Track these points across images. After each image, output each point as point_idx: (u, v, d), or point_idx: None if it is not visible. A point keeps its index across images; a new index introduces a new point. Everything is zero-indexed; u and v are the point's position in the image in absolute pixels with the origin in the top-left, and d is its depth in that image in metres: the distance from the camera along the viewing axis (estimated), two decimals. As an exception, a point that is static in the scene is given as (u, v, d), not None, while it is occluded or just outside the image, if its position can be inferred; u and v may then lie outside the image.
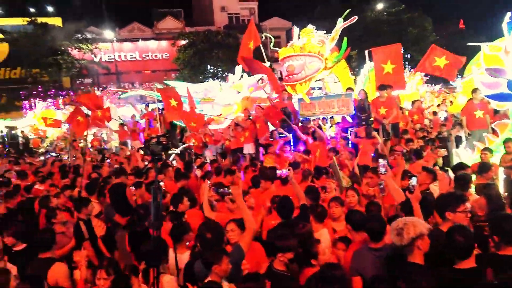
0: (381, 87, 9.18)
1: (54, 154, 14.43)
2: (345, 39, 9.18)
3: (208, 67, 30.47)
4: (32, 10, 33.58)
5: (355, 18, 9.71)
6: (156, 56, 36.15)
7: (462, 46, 9.35)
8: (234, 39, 31.38)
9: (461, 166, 5.58)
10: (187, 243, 4.20)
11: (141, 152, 10.54)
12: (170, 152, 11.32)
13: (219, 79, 24.79)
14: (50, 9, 34.52)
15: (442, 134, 9.37)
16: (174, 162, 9.62)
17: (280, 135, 9.86)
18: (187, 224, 4.27)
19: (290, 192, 5.05)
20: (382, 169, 3.96)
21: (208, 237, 3.45)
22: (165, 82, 16.59)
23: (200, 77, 29.06)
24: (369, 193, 5.32)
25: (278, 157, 8.78)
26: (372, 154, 8.32)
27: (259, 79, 13.04)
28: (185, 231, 4.17)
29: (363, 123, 8.92)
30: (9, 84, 32.68)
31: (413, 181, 3.78)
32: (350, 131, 9.62)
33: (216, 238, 3.52)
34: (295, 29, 9.87)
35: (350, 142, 8.63)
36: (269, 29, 38.40)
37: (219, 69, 29.53)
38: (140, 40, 36.51)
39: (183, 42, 31.59)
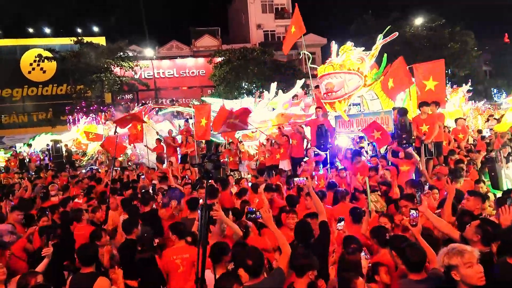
0: (422, 104, 8.83)
1: (95, 167, 14.93)
2: (385, 55, 8.96)
3: (243, 83, 30.84)
4: (78, 30, 35.66)
5: (396, 34, 9.46)
6: (193, 72, 37.10)
7: (508, 61, 8.79)
8: (269, 56, 31.67)
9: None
10: (227, 264, 4.12)
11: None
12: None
13: (254, 96, 24.99)
14: (95, 29, 36.50)
15: (490, 154, 8.83)
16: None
17: (315, 153, 9.69)
18: (226, 244, 4.18)
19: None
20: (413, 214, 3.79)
21: (249, 264, 3.34)
22: (202, 98, 16.90)
23: (235, 93, 29.41)
24: (403, 223, 4.70)
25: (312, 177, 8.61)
26: (413, 175, 7.98)
27: (294, 96, 12.98)
28: (224, 251, 4.08)
29: (404, 141, 8.57)
30: (55, 99, 34.72)
31: (414, 213, 3.70)
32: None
33: (258, 265, 3.40)
34: (334, 46, 9.75)
35: (390, 162, 8.30)
36: (305, 45, 38.34)
37: (254, 86, 29.79)
38: (178, 57, 37.66)
39: (219, 59, 32.24)
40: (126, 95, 33.43)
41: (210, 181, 4.32)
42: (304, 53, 11.58)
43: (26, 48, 34.78)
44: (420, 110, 8.88)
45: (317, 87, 11.02)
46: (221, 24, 43.24)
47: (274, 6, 40.59)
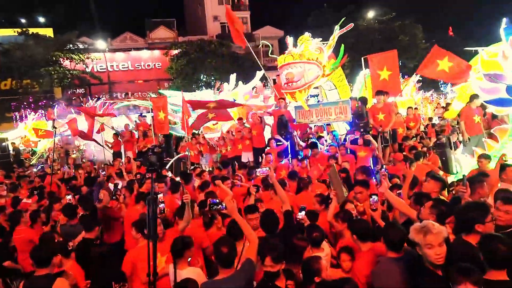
0: (378, 93, 9.14)
1: (47, 165, 14.12)
2: (342, 46, 9.15)
3: (201, 76, 30.44)
4: (23, 21, 33.40)
5: (352, 25, 9.70)
6: (148, 65, 36.04)
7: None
8: (227, 48, 31.44)
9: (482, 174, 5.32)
10: (189, 259, 4.04)
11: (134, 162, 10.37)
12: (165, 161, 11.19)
13: (212, 88, 24.79)
14: (41, 20, 34.35)
15: (441, 140, 9.33)
16: (169, 173, 9.43)
17: (277, 143, 9.75)
18: (189, 239, 4.09)
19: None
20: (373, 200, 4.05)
21: (224, 252, 3.27)
22: (160, 91, 16.46)
23: (193, 86, 28.98)
24: (358, 209, 4.81)
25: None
26: (371, 162, 8.28)
27: (253, 87, 12.97)
28: (187, 246, 4.00)
29: (361, 130, 8.84)
30: (-1, 95, 32.32)
31: (374, 198, 4.00)
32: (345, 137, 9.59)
33: (232, 253, 3.34)
34: (290, 38, 9.82)
35: (348, 149, 8.54)
36: (262, 37, 38.60)
37: (212, 78, 29.50)
38: (133, 50, 36.41)
39: (175, 52, 31.53)
40: (77, 90, 31.82)
41: (154, 173, 4.17)
42: (265, 45, 11.51)
43: (-36, 39, 32.03)
44: (376, 99, 9.18)
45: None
46: (177, 15, 42.33)
47: (231, -3, 40.29)
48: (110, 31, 36.25)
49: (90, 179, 9.13)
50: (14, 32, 28.72)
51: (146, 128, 12.77)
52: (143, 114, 14.30)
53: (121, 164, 10.22)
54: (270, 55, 10.83)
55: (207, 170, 9.89)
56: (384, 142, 8.85)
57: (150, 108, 13.71)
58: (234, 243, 3.46)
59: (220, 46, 31.87)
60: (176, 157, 11.39)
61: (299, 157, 9.07)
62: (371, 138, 8.16)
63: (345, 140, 9.36)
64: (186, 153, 11.59)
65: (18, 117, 23.31)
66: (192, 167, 10.63)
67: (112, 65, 34.42)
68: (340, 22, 9.68)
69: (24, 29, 28.86)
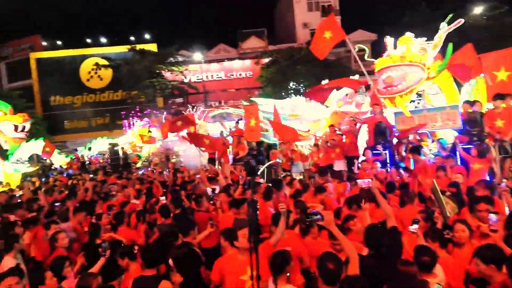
0: (496, 97, 8.01)
1: (149, 169, 15.33)
2: (450, 45, 8.25)
3: (291, 83, 30.53)
4: (132, 38, 37.40)
5: (461, 21, 8.70)
6: (240, 74, 37.43)
7: None
8: (317, 55, 31.13)
9: None
10: (288, 275, 3.85)
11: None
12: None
13: (302, 96, 24.68)
14: (147, 36, 38.04)
15: None
16: (261, 180, 9.45)
17: (374, 152, 9.16)
18: (289, 254, 3.89)
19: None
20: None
21: (330, 268, 3.03)
22: (252, 99, 16.87)
23: (283, 93, 29.18)
24: (482, 230, 4.10)
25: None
26: (487, 176, 7.25)
27: (347, 94, 12.47)
28: (287, 261, 3.80)
29: (475, 138, 7.82)
30: (112, 105, 36.57)
31: (493, 217, 3.50)
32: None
33: (338, 270, 3.09)
34: (389, 39, 9.17)
35: (459, 159, 7.61)
36: (353, 42, 37.37)
37: (302, 85, 29.37)
38: (226, 60, 38.18)
39: (266, 60, 32.20)
40: (176, 99, 34.41)
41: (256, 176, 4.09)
42: (362, 48, 10.85)
43: (85, 57, 36.96)
44: (493, 104, 8.07)
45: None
46: (267, 25, 43.25)
47: (320, 4, 39.85)
48: (205, 44, 38.59)
49: (186, 182, 9.60)
50: (125, 48, 32.23)
51: (240, 135, 13.09)
52: (238, 121, 14.70)
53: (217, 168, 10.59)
54: (366, 59, 10.26)
55: (297, 178, 9.73)
56: (503, 152, 7.71)
57: (242, 115, 14.08)
58: (340, 259, 3.19)
59: (310, 52, 31.63)
60: (267, 164, 11.44)
61: (399, 167, 8.38)
62: (491, 147, 7.15)
63: (453, 150, 8.37)
64: (278, 160, 11.57)
65: (127, 124, 25.92)
66: (283, 175, 10.56)
67: (207, 75, 36.51)
68: (447, 19, 8.78)
69: (132, 46, 32.22)
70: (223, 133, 14.52)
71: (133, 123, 25.26)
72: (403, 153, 8.55)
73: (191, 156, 16.67)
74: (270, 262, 3.72)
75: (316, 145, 11.24)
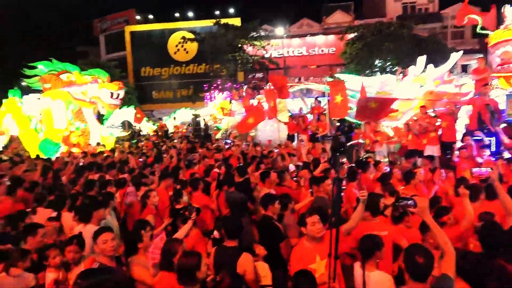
0: None
1: (229, 141, 15.67)
2: None
3: (376, 61, 28.69)
4: (217, 12, 38.06)
5: None
6: (322, 51, 36.17)
7: None
8: (408, 30, 28.69)
9: None
10: (377, 261, 3.55)
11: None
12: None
13: (394, 73, 23.04)
14: (231, 10, 38.40)
15: None
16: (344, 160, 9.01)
17: (475, 138, 8.15)
18: (380, 239, 3.59)
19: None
20: None
21: (419, 262, 2.70)
22: (336, 75, 16.15)
23: (367, 71, 27.59)
24: None
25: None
26: None
27: (448, 71, 11.17)
28: (378, 246, 3.51)
29: None
30: (195, 77, 38.08)
31: None
32: None
33: (429, 265, 2.73)
34: (509, 8, 7.88)
35: None
36: (451, 17, 33.88)
37: (390, 63, 27.43)
38: (308, 35, 37.14)
39: (351, 36, 30.59)
40: (256, 74, 34.54)
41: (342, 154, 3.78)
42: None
43: (173, 31, 38.67)
44: None
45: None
46: (355, -2, 40.88)
47: (415, -24, 36.48)
48: (288, 18, 37.82)
49: (263, 157, 9.54)
50: (211, 23, 32.94)
51: (320, 112, 12.65)
52: (318, 98, 14.21)
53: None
54: (479, 31, 8.98)
55: (382, 161, 9.10)
56: None
57: (324, 92, 13.53)
58: (431, 252, 2.80)
59: (401, 28, 29.28)
60: (348, 144, 10.92)
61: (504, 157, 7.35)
62: None
63: None
64: (360, 141, 10.97)
65: (208, 96, 26.78)
66: (365, 156, 9.98)
67: (288, 51, 35.91)
68: None
69: (217, 20, 32.76)
70: (302, 109, 14.16)
71: (214, 96, 25.99)
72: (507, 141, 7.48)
73: (269, 131, 16.65)
74: (359, 246, 3.54)
75: (406, 125, 10.36)
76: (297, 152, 9.71)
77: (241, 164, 8.19)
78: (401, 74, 12.92)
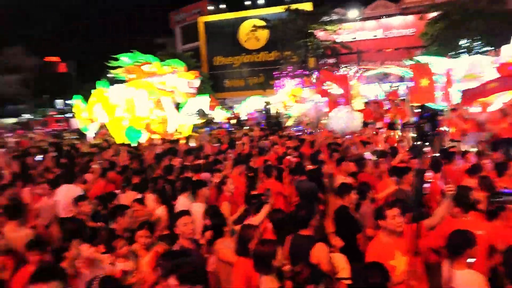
0: None
1: (300, 128, 15.52)
2: None
3: (462, 41, 26.15)
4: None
5: None
6: (399, 32, 33.98)
7: None
8: (500, 6, 25.68)
9: None
10: (468, 260, 3.23)
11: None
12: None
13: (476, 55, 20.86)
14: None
15: None
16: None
17: None
18: (472, 236, 3.25)
19: None
20: None
21: None
22: (416, 58, 15.02)
23: (452, 52, 25.30)
24: None
25: None
26: None
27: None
28: (469, 243, 3.19)
29: None
30: (266, 65, 38.26)
31: None
32: None
33: None
34: None
35: None
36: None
37: (480, 43, 24.82)
38: (384, 17, 35.08)
39: (433, 15, 28.23)
40: (328, 59, 33.62)
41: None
42: None
43: (244, 19, 39.13)
44: None
45: None
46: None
47: None
48: (362, 0, 36.04)
49: (334, 144, 9.24)
50: (282, 9, 32.65)
51: (396, 98, 11.89)
52: (393, 84, 13.39)
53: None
54: None
55: (470, 150, 8.28)
56: None
57: (401, 77, 12.70)
58: None
59: (491, 3, 26.33)
60: (432, 132, 10.12)
61: None
62: None
63: None
64: (444, 128, 10.11)
65: (279, 84, 26.74)
66: (450, 146, 9.18)
67: (362, 34, 34.34)
68: None
69: (288, 5, 32.34)
70: (378, 95, 13.45)
71: (285, 83, 25.87)
72: None
73: (342, 118, 16.12)
74: (447, 242, 3.24)
75: (500, 111, 9.29)
76: (372, 140, 9.27)
77: (314, 152, 8.04)
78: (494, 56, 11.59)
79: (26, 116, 48.26)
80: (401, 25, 33.96)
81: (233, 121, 23.32)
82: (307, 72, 28.88)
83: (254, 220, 4.40)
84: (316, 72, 26.32)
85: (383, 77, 17.67)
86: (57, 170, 7.81)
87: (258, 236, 3.51)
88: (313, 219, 3.85)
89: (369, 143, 8.70)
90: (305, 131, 13.99)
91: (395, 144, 8.98)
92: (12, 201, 5.26)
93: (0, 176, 6.76)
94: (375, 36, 34.65)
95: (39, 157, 9.76)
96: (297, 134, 13.40)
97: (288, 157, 8.14)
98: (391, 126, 11.57)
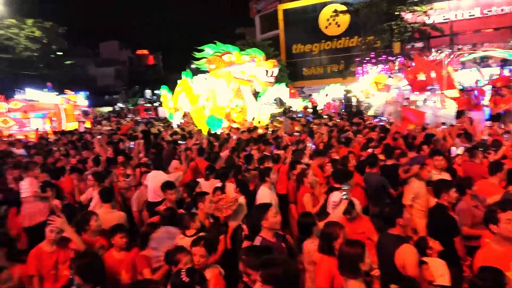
0: None
1: (383, 118, 14.63)
2: None
3: None
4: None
5: None
6: (502, 10, 30.06)
7: None
8: None
9: None
10: None
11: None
12: None
13: None
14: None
15: None
16: None
17: None
18: None
19: None
20: None
21: None
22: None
23: None
24: None
25: None
26: None
27: None
28: None
29: None
30: (346, 52, 36.83)
31: None
32: None
33: None
34: None
35: None
36: None
37: None
38: (483, -7, 31.29)
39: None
40: (415, 44, 31.11)
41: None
42: None
43: (324, 5, 37.94)
44: None
45: None
46: None
47: None
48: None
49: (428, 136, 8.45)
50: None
51: (504, 84, 10.46)
52: (502, 67, 11.80)
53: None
54: None
55: None
56: None
57: (504, 60, 11.16)
58: None
59: None
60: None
61: None
62: None
63: None
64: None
65: (360, 71, 25.53)
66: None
67: (456, 14, 31.09)
68: None
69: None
70: (478, 82, 12.02)
71: (367, 70, 24.61)
72: None
73: (432, 108, 14.85)
74: None
75: None
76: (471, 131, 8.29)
77: (387, 144, 7.50)
78: None
79: (120, 105, 53.01)
80: (504, 1, 29.98)
81: (310, 110, 22.86)
82: (392, 58, 27.11)
83: (332, 216, 4.22)
84: (401, 58, 24.58)
85: (482, 61, 15.75)
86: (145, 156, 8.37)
87: (343, 235, 3.29)
88: (401, 217, 3.49)
89: (466, 134, 7.80)
90: (388, 121, 13.10)
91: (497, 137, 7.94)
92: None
93: (98, 161, 7.36)
94: (472, 15, 31.12)
95: (131, 144, 10.52)
96: (380, 124, 12.62)
97: (369, 149, 7.68)
98: (494, 117, 10.26)
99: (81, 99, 27.95)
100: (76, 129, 19.07)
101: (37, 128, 17.28)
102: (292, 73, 37.14)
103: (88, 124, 23.91)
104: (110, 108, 50.33)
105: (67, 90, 27.34)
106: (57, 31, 33.48)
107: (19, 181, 5.93)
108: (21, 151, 10.78)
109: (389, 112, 16.12)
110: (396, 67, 22.98)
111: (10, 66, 29.35)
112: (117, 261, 3.78)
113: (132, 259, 3.79)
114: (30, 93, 21.32)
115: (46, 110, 19.36)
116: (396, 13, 28.44)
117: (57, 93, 25.04)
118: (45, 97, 21.65)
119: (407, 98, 16.23)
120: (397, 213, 3.44)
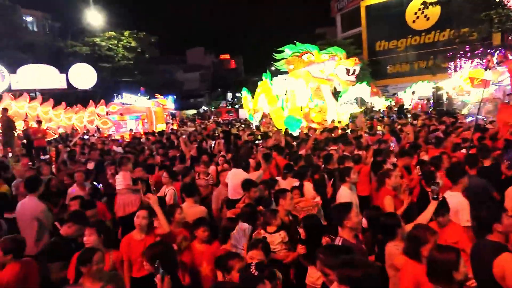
0: None
1: (479, 117, 13.20)
2: None
3: None
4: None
5: None
6: None
7: None
8: None
9: None
10: None
11: None
12: None
13: None
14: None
15: None
16: None
17: None
18: None
19: None
20: None
21: None
22: None
23: None
24: None
25: None
26: None
27: None
28: None
29: None
30: (436, 46, 34.07)
31: None
32: None
33: None
34: None
35: None
36: None
37: None
38: None
39: None
40: (520, 33, 27.60)
41: None
42: None
43: (410, -2, 35.62)
44: None
45: None
46: None
47: None
48: None
49: None
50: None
51: None
52: None
53: None
54: None
55: None
56: None
57: None
58: None
59: None
60: None
61: None
62: None
63: None
64: None
65: (453, 66, 23.47)
66: None
67: None
68: None
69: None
70: None
71: (461, 66, 22.46)
72: None
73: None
74: None
75: None
76: None
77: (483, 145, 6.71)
78: None
79: (204, 108, 55.91)
80: None
81: (395, 109, 21.61)
82: (491, 51, 24.36)
83: (421, 218, 3.92)
84: (502, 50, 21.98)
85: None
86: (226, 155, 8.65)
87: (434, 241, 3.01)
88: (499, 223, 3.08)
89: None
90: (485, 120, 11.80)
91: None
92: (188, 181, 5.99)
93: (183, 159, 7.81)
94: None
95: (212, 143, 11.01)
96: (475, 123, 11.40)
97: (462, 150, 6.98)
98: None
99: (169, 102, 30.04)
100: (163, 130, 20.57)
101: (131, 129, 18.97)
102: (374, 71, 35.51)
103: (174, 126, 25.60)
104: (195, 111, 53.35)
105: (157, 95, 29.59)
106: (150, 40, 36.46)
107: (115, 175, 6.53)
108: (119, 149, 11.92)
109: (488, 110, 14.53)
110: (495, 60, 20.61)
111: (111, 74, 32.73)
112: (199, 252, 3.95)
113: (213, 252, 3.93)
114: (126, 98, 23.47)
115: (139, 113, 21.19)
116: (496, 0, 25.54)
117: (148, 97, 27.19)
118: (139, 101, 23.66)
119: (509, 95, 14.49)
120: (495, 218, 3.07)
